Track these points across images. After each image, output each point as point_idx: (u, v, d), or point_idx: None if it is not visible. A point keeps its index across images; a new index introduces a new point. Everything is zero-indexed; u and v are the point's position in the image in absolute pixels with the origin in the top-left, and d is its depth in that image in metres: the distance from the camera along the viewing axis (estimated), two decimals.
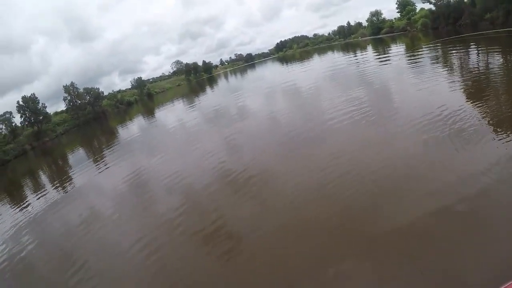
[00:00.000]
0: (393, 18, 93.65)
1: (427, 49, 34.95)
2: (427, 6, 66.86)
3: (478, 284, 4.82)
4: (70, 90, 75.82)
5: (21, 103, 59.72)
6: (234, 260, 7.02)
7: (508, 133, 8.89)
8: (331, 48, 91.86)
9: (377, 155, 9.81)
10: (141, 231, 9.17)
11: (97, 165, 19.61)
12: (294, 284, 5.84)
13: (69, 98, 75.30)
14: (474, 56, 24.27)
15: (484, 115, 10.64)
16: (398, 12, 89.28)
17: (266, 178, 10.43)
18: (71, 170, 21.22)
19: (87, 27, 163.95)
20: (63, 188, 16.85)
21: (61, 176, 20.02)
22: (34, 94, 61.73)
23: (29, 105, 59.28)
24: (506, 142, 8.37)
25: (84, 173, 18.43)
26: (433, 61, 24.99)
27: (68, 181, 17.79)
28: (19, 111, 59.30)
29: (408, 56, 31.82)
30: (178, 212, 9.66)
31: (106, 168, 17.85)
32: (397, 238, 6.11)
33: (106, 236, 9.79)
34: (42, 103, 61.92)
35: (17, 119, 58.71)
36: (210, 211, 9.21)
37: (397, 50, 43.52)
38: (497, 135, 8.91)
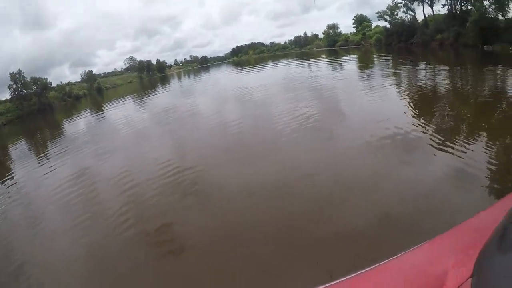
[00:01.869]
0: (349, 33, 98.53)
1: (378, 60, 37.45)
2: (382, 23, 71.94)
3: None
4: (16, 78, 72.43)
5: None
6: (176, 263, 7.17)
7: (447, 144, 9.81)
8: (286, 56, 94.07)
9: (321, 162, 10.35)
10: (84, 233, 9.17)
11: (40, 161, 19.50)
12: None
13: (14, 86, 72.04)
14: (422, 70, 26.92)
15: (428, 126, 11.76)
16: (354, 27, 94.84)
17: (208, 181, 10.74)
18: (10, 164, 21.23)
19: (41, 13, 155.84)
20: (1, 182, 16.61)
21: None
22: None
23: None
24: (446, 153, 9.27)
25: (23, 167, 18.48)
26: (383, 72, 27.20)
27: (5, 176, 17.62)
28: None
29: (360, 67, 34.05)
30: (118, 212, 9.72)
31: (49, 164, 17.78)
32: (336, 241, 6.38)
33: (46, 234, 9.78)
34: None
35: None
36: (152, 213, 9.28)
37: (350, 60, 46.21)
38: (438, 146, 9.85)
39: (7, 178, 17.21)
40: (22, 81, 72.92)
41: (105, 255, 7.88)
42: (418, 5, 61.29)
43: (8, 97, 72.77)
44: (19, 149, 26.96)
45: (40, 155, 21.22)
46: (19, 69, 73.87)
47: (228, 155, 12.97)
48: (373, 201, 7.53)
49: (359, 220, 6.88)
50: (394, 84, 21.50)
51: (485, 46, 36.83)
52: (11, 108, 67.19)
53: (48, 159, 19.40)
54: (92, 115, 40.15)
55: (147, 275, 6.70)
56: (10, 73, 72.58)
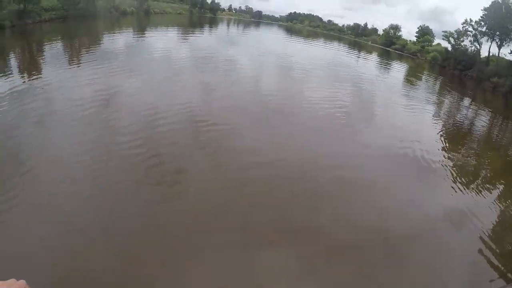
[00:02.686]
0: (408, 40, 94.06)
1: (427, 79, 35.88)
2: (444, 43, 68.12)
3: None
4: None
5: None
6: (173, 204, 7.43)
7: (463, 182, 9.96)
8: (339, 40, 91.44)
9: (339, 158, 10.28)
10: (93, 144, 9.49)
11: (70, 67, 19.00)
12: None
13: None
14: (464, 107, 25.15)
15: (448, 163, 11.57)
16: (416, 36, 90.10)
17: (226, 135, 10.99)
18: (43, 62, 20.55)
19: None
20: (29, 78, 16.17)
21: (30, 65, 19.42)
22: None
23: None
24: (456, 192, 9.33)
25: (53, 70, 17.82)
26: (427, 93, 25.79)
27: (36, 73, 17.19)
28: None
29: (407, 79, 32.56)
30: (132, 140, 9.98)
31: (78, 73, 17.40)
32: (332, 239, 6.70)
33: (55, 139, 9.88)
34: None
35: None
36: (166, 153, 9.54)
37: (400, 68, 44.24)
38: (454, 184, 9.88)
39: (35, 77, 16.56)
40: None
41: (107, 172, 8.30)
42: (487, 40, 57.87)
43: None
44: (53, 50, 25.86)
45: (72, 62, 20.43)
46: None
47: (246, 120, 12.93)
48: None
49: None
50: (432, 109, 20.83)
51: None
52: (57, 6, 66.35)
53: (79, 66, 19.08)
54: (133, 37, 39.25)
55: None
56: None
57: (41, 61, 20.80)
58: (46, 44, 28.73)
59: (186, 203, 7.51)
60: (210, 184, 8.23)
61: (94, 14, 71.32)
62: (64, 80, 15.79)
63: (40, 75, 16.72)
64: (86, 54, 23.48)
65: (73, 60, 21.16)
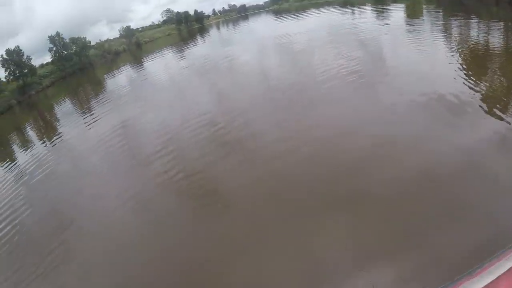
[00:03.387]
0: None
1: (428, 13, 34.41)
2: None
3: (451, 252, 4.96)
4: (55, 40, 72.87)
5: (4, 56, 56.99)
6: (214, 211, 7.25)
7: (496, 111, 8.93)
8: (329, 4, 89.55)
9: (365, 121, 9.66)
10: (128, 185, 9.28)
11: (84, 117, 18.84)
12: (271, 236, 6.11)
13: (54, 49, 72.71)
14: (474, 28, 23.49)
15: (477, 91, 10.47)
16: None
17: (254, 137, 10.32)
18: (58, 124, 20.54)
19: None
20: (51, 142, 16.23)
21: (47, 130, 19.50)
22: (18, 46, 59.03)
23: (13, 58, 56.81)
24: (496, 119, 8.43)
25: (70, 126, 17.94)
26: (433, 26, 24.27)
27: (55, 135, 17.15)
28: (3, 65, 56.53)
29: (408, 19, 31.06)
30: (164, 166, 9.66)
31: (92, 120, 17.22)
32: (377, 200, 6.30)
33: (93, 189, 9.82)
34: (27, 56, 59.39)
35: (1, 74, 56.29)
36: (196, 167, 9.16)
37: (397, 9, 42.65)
38: (487, 113, 8.89)
39: (55, 136, 16.91)
40: (62, 43, 73.44)
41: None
42: None
43: (50, 60, 73.70)
44: (64, 107, 26.38)
45: (84, 110, 20.51)
46: (57, 31, 74.01)
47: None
48: None
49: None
50: (443, 40, 18.81)
51: None
52: (53, 70, 68.12)
53: (91, 112, 18.89)
54: (132, 68, 39.32)
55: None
56: (49, 36, 73.08)
57: (56, 123, 21.01)
58: (56, 107, 28.92)
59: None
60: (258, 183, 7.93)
61: (90, 64, 72.96)
62: (81, 132, 15.97)
63: (59, 136, 16.89)
64: (94, 101, 23.37)
65: (84, 110, 21.11)
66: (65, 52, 73.31)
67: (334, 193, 6.79)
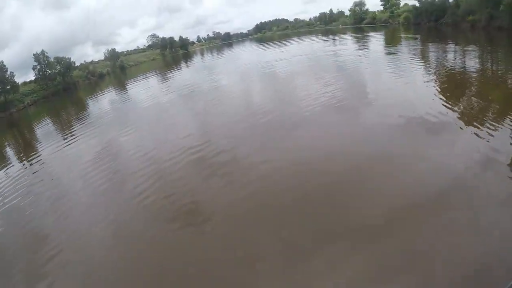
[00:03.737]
0: (376, 11, 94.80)
1: (407, 40, 35.95)
2: (411, 2, 68.54)
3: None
4: (40, 58, 72.38)
5: None
6: (201, 234, 7.27)
7: (475, 128, 9.45)
8: (311, 33, 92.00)
9: (349, 146, 10.01)
10: (110, 210, 9.25)
11: (65, 138, 19.20)
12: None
13: (38, 67, 72.24)
14: (451, 52, 25.03)
15: (456, 110, 11.20)
16: (382, 5, 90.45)
17: (237, 160, 10.53)
18: (38, 144, 20.62)
19: None
20: (29, 162, 16.32)
21: (26, 150, 19.49)
22: (2, 62, 58.85)
23: None
24: (476, 137, 8.91)
25: (50, 147, 18.02)
26: (411, 53, 25.78)
27: (34, 156, 17.27)
28: None
29: (387, 46, 32.63)
30: (146, 189, 9.70)
31: (74, 141, 17.59)
32: (366, 224, 6.37)
33: (73, 215, 9.68)
34: (11, 72, 58.96)
35: None
36: (179, 189, 9.31)
37: (376, 38, 44.55)
38: (467, 129, 9.51)
39: (33, 157, 16.87)
40: (46, 61, 72.89)
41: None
42: None
43: (33, 78, 73.10)
44: (44, 128, 26.63)
45: (65, 133, 20.77)
46: (42, 50, 73.75)
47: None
48: None
49: None
50: (421, 65, 20.17)
51: None
52: (36, 88, 67.40)
53: (72, 136, 19.04)
54: (116, 93, 39.81)
55: None
56: (33, 54, 72.59)
57: (36, 143, 20.95)
58: (36, 126, 29.01)
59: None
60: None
61: (73, 85, 72.63)
62: (62, 153, 16.07)
63: (38, 156, 16.95)
64: (75, 124, 23.60)
65: (65, 132, 21.48)
66: (49, 71, 72.86)
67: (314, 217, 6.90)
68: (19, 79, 64.75)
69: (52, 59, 74.09)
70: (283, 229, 6.77)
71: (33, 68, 71.87)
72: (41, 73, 71.85)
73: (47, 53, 73.98)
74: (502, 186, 6.80)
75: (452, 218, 6.20)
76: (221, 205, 8.12)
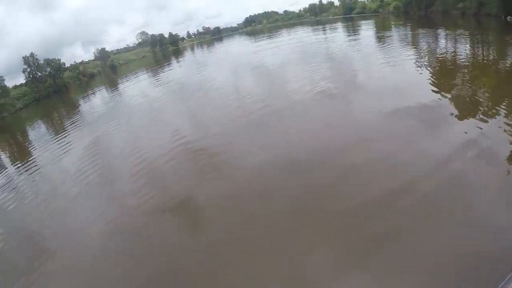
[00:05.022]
0: (365, 0, 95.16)
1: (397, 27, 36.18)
2: None
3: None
4: (30, 61, 72.09)
5: None
6: (196, 233, 7.25)
7: (469, 116, 9.53)
8: (301, 24, 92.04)
9: (341, 135, 10.15)
10: (105, 212, 9.16)
11: (58, 141, 19.10)
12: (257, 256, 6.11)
13: (28, 70, 71.90)
14: (442, 39, 25.32)
15: (449, 99, 11.24)
16: None
17: (229, 154, 10.59)
18: (32, 148, 20.56)
19: None
20: (24, 168, 16.02)
21: (20, 155, 19.53)
22: None
23: None
24: (468, 125, 8.92)
25: (44, 150, 18.09)
26: (402, 41, 26.30)
27: (28, 161, 17.14)
28: None
29: (378, 36, 32.85)
30: (139, 191, 9.63)
31: (67, 144, 17.50)
32: (355, 214, 6.37)
33: (70, 219, 9.54)
34: (0, 76, 59.03)
35: None
36: (172, 187, 9.39)
37: (367, 26, 44.77)
38: (460, 119, 9.53)
39: (28, 161, 16.88)
40: (36, 64, 72.63)
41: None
42: None
43: (24, 81, 72.78)
44: (36, 132, 26.62)
45: (58, 135, 20.76)
46: (31, 52, 73.38)
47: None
48: None
49: None
50: (413, 53, 20.18)
51: (508, 17, 34.89)
52: (27, 91, 67.06)
53: (66, 137, 19.09)
54: (107, 92, 39.97)
55: None
56: (23, 57, 72.25)
57: (30, 147, 21.06)
58: (30, 130, 29.16)
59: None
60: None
61: (64, 87, 72.40)
62: (54, 157, 15.94)
63: (33, 160, 17.00)
64: (68, 126, 23.64)
65: (58, 134, 21.48)
66: (39, 74, 72.65)
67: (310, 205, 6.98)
68: (9, 83, 64.51)
69: (42, 62, 73.83)
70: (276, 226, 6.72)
71: (23, 71, 71.71)
72: (31, 75, 71.67)
73: (36, 55, 73.73)
74: (495, 176, 6.78)
75: (446, 208, 6.16)
76: (213, 200, 8.15)
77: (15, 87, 70.93)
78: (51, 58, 76.33)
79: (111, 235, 8.01)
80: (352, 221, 6.28)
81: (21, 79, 72.90)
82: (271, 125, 12.26)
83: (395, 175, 7.37)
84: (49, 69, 74.09)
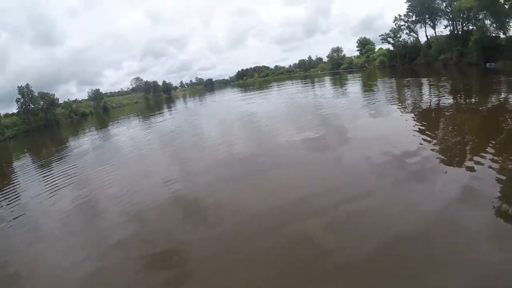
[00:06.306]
0: (352, 56, 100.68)
1: (383, 81, 39.72)
2: (385, 46, 74.34)
3: None
4: (24, 92, 73.38)
5: None
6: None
7: (458, 165, 9.90)
8: (291, 79, 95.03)
9: (331, 189, 9.82)
10: (89, 259, 8.65)
11: (44, 178, 19.28)
12: None
13: (22, 100, 72.93)
14: (426, 87, 27.74)
15: (436, 149, 11.43)
16: (358, 50, 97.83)
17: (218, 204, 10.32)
18: (17, 181, 20.82)
19: (52, 30, 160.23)
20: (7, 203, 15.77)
21: (4, 188, 19.12)
22: None
23: None
24: (457, 174, 9.18)
25: (30, 185, 18.20)
26: (388, 94, 28.25)
27: (12, 195, 16.97)
28: None
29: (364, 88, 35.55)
30: (126, 238, 9.28)
31: (53, 183, 17.37)
32: (351, 269, 6.12)
33: (49, 256, 9.38)
34: None
35: None
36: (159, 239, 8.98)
37: (354, 80, 48.41)
38: (449, 168, 9.76)
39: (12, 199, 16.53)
40: (30, 95, 73.78)
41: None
42: (421, 27, 64.72)
43: (15, 111, 73.34)
44: (23, 165, 26.85)
45: (45, 174, 20.99)
46: (27, 83, 74.87)
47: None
48: None
49: None
50: (398, 105, 21.58)
51: (487, 64, 38.01)
52: (17, 122, 67.52)
53: (52, 176, 19.11)
54: (98, 134, 40.57)
55: None
56: (18, 87, 73.54)
57: (15, 183, 20.89)
58: (15, 162, 29.48)
59: None
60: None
61: (55, 122, 72.79)
62: (41, 196, 15.70)
63: (15, 197, 17.01)
64: (56, 162, 24.25)
65: (44, 172, 21.70)
66: (32, 106, 73.49)
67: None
68: (1, 110, 65.11)
69: (36, 94, 74.94)
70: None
71: (17, 101, 72.89)
72: (24, 106, 72.52)
73: (31, 87, 75.06)
74: (486, 219, 6.81)
75: (439, 253, 6.13)
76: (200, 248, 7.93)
77: (7, 115, 71.47)
78: (45, 92, 77.69)
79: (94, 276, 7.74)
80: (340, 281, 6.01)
81: (13, 108, 73.89)
82: (253, 174, 12.43)
83: (383, 231, 7.14)
84: (42, 102, 75.08)
